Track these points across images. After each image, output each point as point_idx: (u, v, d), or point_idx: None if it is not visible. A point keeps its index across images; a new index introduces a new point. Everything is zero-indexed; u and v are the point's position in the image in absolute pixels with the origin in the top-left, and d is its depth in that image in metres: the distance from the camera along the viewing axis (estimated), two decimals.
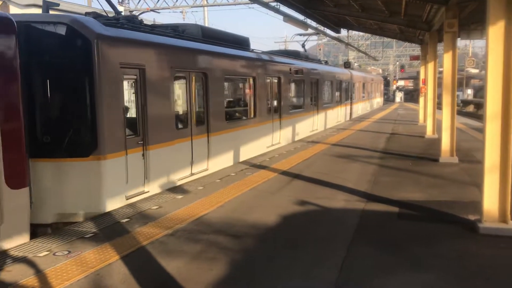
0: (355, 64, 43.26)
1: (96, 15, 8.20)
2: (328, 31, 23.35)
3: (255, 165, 11.17)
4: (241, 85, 13.69)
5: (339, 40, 30.50)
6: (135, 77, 8.09)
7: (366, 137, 17.05)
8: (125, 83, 8.00)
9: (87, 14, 8.20)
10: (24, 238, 5.96)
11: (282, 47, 53.66)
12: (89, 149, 7.14)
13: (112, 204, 7.36)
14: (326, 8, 14.90)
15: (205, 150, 10.35)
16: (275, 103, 14.91)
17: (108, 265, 4.93)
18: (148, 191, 8.26)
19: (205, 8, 31.05)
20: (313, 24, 20.73)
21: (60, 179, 7.12)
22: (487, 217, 5.89)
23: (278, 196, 7.99)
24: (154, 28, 9.57)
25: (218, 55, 11.24)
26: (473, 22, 14.68)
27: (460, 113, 43.15)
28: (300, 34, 28.40)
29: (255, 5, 15.01)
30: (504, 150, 5.77)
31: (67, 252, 5.32)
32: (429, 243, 5.56)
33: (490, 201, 5.87)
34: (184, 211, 6.99)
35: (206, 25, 31.06)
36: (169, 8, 26.72)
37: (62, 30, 7.11)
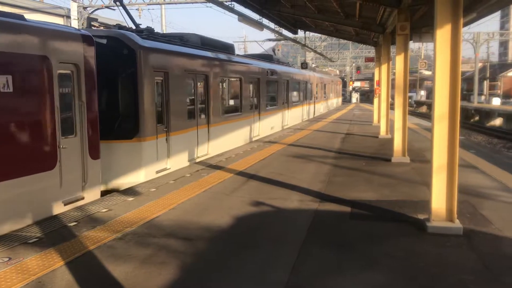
0: (313, 65, 43.77)
1: (120, 27, 10.47)
2: (285, 32, 23.48)
3: (211, 165, 11.06)
4: (231, 84, 15.49)
5: (295, 41, 30.73)
6: (161, 79, 10.26)
7: (322, 137, 17.24)
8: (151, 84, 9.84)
9: (113, 26, 10.76)
10: (97, 195, 8.12)
11: (241, 47, 53.72)
12: (133, 133, 9.35)
13: (147, 176, 9.53)
14: (282, 8, 14.96)
15: (206, 138, 12.63)
16: (255, 100, 17.47)
17: (52, 272, 4.71)
18: (169, 168, 10.54)
19: (162, 5, 30.61)
20: (269, 24, 20.76)
21: (113, 155, 9.12)
22: (435, 216, 6.03)
23: (233, 197, 7.91)
24: (169, 38, 11.65)
25: (216, 60, 13.46)
26: (424, 25, 15.07)
27: (413, 113, 44.54)
28: (270, 40, 34.55)
29: (213, 5, 14.82)
30: (451, 150, 5.91)
31: (7, 259, 5.06)
32: (379, 242, 5.63)
33: (438, 201, 6.00)
34: (134, 214, 6.80)
35: (163, 23, 30.64)
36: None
37: (114, 42, 9.28)
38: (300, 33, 23.80)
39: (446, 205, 5.98)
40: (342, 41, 44.64)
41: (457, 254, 5.23)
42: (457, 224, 5.95)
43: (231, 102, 15.41)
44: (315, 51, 41.17)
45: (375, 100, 22.29)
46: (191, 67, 11.73)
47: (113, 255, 5.20)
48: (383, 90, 17.53)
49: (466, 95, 58.90)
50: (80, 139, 7.80)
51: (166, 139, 10.42)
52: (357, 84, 75.56)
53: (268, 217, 6.81)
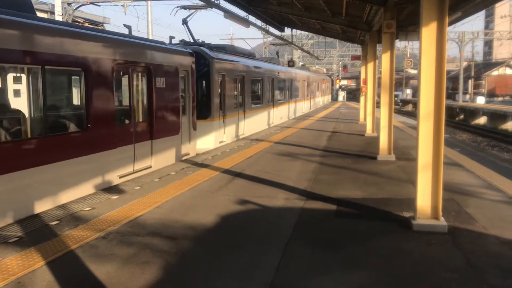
0: (300, 63, 43.83)
1: (184, 42, 15.36)
2: (272, 30, 23.46)
3: (196, 163, 10.99)
4: (258, 83, 20.62)
5: (282, 39, 30.69)
6: (221, 79, 14.93)
7: (308, 135, 17.25)
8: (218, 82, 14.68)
9: (180, 41, 15.65)
10: (195, 153, 12.77)
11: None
12: (208, 114, 14.16)
13: (214, 145, 14.39)
14: (269, 6, 14.93)
15: (243, 122, 17.54)
16: (271, 94, 22.62)
17: (32, 272, 4.61)
18: (225, 141, 15.35)
19: (149, 2, 30.34)
20: (256, 22, 20.72)
21: (208, 129, 14.12)
22: (420, 214, 6.04)
23: (218, 196, 7.85)
24: (217, 48, 16.05)
25: (247, 64, 18.45)
26: (410, 24, 15.15)
27: (399, 112, 44.87)
28: (274, 44, 37.34)
29: (200, 1, 14.73)
30: (436, 148, 5.93)
31: None
32: (364, 240, 5.62)
33: (423, 199, 6.01)
34: (118, 213, 6.71)
35: (149, 20, 30.39)
36: (109, 2, 25.85)
37: (198, 55, 13.38)
38: (287, 31, 23.87)
39: (431, 203, 5.99)
40: (329, 39, 44.71)
41: (442, 252, 5.24)
42: (442, 222, 5.96)
43: (258, 96, 20.73)
44: (302, 49, 41.21)
45: (362, 99, 22.37)
46: (236, 70, 16.75)
47: (96, 254, 5.11)
48: (369, 89, 17.60)
49: (451, 94, 59.48)
50: (188, 117, 12.51)
51: (223, 121, 15.24)
52: (344, 82, 75.84)
53: (253, 216, 6.77)
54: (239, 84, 17.11)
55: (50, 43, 7.50)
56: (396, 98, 57.85)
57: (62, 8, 24.30)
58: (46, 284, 4.36)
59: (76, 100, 8.99)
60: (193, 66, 12.73)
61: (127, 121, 9.81)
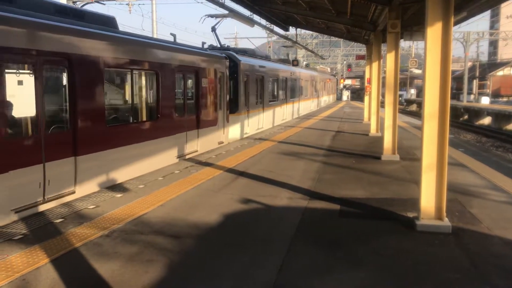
0: (304, 62, 43.83)
1: (212, 47, 17.73)
2: (276, 29, 23.46)
3: (200, 162, 11.00)
4: (274, 83, 23.13)
5: (287, 38, 30.67)
6: (246, 79, 17.42)
7: (312, 135, 17.24)
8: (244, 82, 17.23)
9: (210, 45, 18.30)
10: (227, 141, 15.27)
11: (232, 43, 53.83)
12: (235, 109, 16.65)
13: (241, 136, 16.86)
14: (274, 5, 14.92)
15: (262, 117, 20.17)
16: (283, 93, 25.21)
17: (36, 269, 4.63)
18: (248, 133, 17.66)
19: (153, 1, 30.38)
20: (261, 21, 20.75)
21: (236, 122, 16.58)
22: (424, 214, 6.03)
23: (222, 195, 7.86)
24: (240, 51, 18.97)
25: (265, 65, 21.00)
26: (415, 24, 15.11)
27: (403, 112, 44.78)
28: (285, 46, 42.55)
29: (204, 0, 14.78)
30: (440, 149, 5.91)
31: None
32: (368, 240, 5.61)
33: (427, 199, 6.00)
34: (122, 211, 6.73)
35: (154, 19, 30.43)
36: (115, 0, 25.90)
37: (229, 59, 15.93)
38: (292, 30, 23.89)
39: (435, 203, 5.98)
40: (333, 38, 44.66)
41: (445, 252, 5.23)
42: (446, 222, 5.95)
43: (274, 94, 23.26)
44: (307, 49, 41.16)
45: (366, 98, 22.33)
46: (257, 71, 19.19)
47: (100, 252, 5.13)
48: (374, 88, 17.56)
49: (456, 94, 59.31)
50: (223, 111, 15.05)
51: (248, 115, 17.91)
52: (348, 82, 75.68)
53: (257, 215, 6.77)
54: (259, 84, 19.65)
55: (142, 53, 10.47)
56: (400, 98, 57.70)
57: None
58: (51, 282, 4.38)
59: (152, 96, 11.38)
60: (227, 68, 15.50)
61: (181, 114, 12.32)
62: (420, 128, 6.11)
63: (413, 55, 56.30)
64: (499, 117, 36.32)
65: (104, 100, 8.92)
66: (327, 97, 47.61)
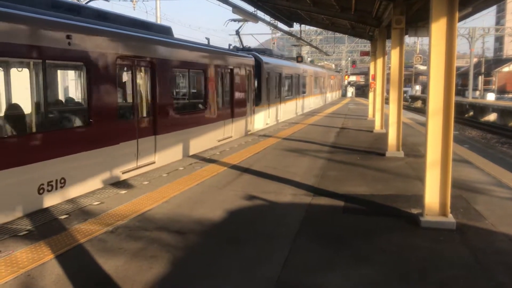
0: (308, 59, 43.78)
1: (237, 48, 19.97)
2: (281, 25, 23.42)
3: (204, 159, 11.01)
4: (289, 79, 25.30)
5: (291, 34, 30.60)
6: (267, 76, 19.74)
7: (316, 131, 17.22)
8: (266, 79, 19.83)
9: (234, 47, 21.00)
10: (253, 131, 17.63)
11: (236, 40, 53.69)
12: (259, 102, 18.75)
13: (263, 126, 19.00)
14: (278, 1, 14.86)
15: (280, 110, 22.60)
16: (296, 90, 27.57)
17: (41, 265, 4.66)
18: (269, 123, 20.07)
19: None
20: (265, 17, 20.75)
21: (260, 113, 18.96)
22: (428, 211, 6.01)
23: (226, 191, 7.87)
24: (260, 51, 21.25)
25: (284, 64, 24.05)
26: (420, 19, 15.04)
27: (408, 108, 44.62)
28: (295, 45, 44.41)
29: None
30: (445, 145, 5.89)
31: None
32: (372, 237, 5.61)
33: (432, 195, 5.99)
34: (126, 207, 6.75)
35: (158, 15, 30.43)
36: None
37: (252, 59, 18.12)
38: (296, 26, 23.83)
39: (440, 199, 5.97)
40: (337, 35, 44.53)
41: (450, 249, 5.22)
42: (451, 218, 5.94)
43: (290, 89, 25.43)
44: (311, 45, 41.06)
45: (370, 95, 22.26)
46: (276, 69, 21.55)
47: (104, 248, 5.16)
48: (378, 85, 17.48)
49: (461, 90, 59.04)
50: (250, 104, 17.42)
51: (269, 108, 20.25)
52: (353, 78, 75.51)
53: (260, 211, 6.78)
54: (278, 80, 21.94)
55: (195, 57, 13.01)
56: (405, 95, 57.55)
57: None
58: (56, 277, 4.41)
59: (201, 91, 13.76)
60: (253, 67, 17.99)
61: (220, 106, 14.62)
62: (424, 125, 6.08)
63: (418, 51, 56.09)
64: (505, 113, 36.13)
65: (173, 94, 11.93)
66: (333, 93, 49.54)
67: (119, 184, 8.35)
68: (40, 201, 7.04)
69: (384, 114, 16.81)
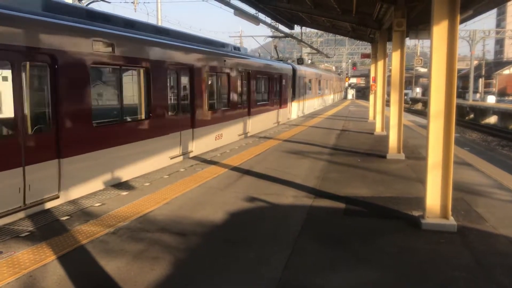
0: (309, 61, 43.85)
1: (276, 58, 30.51)
2: (282, 27, 23.48)
3: (205, 160, 11.02)
4: (310, 82, 32.43)
5: (292, 36, 30.65)
6: (299, 79, 26.71)
7: (317, 133, 17.23)
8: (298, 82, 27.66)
9: (271, 57, 34.76)
10: (291, 119, 25.71)
11: (237, 42, 53.90)
12: (294, 99, 26.38)
13: (296, 116, 26.63)
14: (279, 3, 14.89)
15: (306, 105, 29.60)
16: (312, 91, 34.27)
17: (43, 266, 4.67)
18: (299, 115, 27.41)
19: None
20: (266, 19, 20.78)
21: (294, 106, 27.09)
22: (429, 213, 6.02)
23: (227, 193, 7.88)
24: (292, 60, 32.14)
25: (307, 69, 31.13)
26: (421, 22, 15.07)
27: (409, 110, 44.62)
28: (310, 53, 49.05)
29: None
30: (446, 148, 5.90)
31: None
32: (373, 239, 5.62)
33: (433, 198, 5.99)
34: (128, 208, 6.76)
35: (159, 17, 30.49)
36: None
37: (290, 67, 26.47)
38: (297, 28, 24.02)
39: (441, 202, 5.97)
40: (338, 37, 44.58)
41: (451, 251, 5.23)
42: (451, 221, 5.94)
43: (310, 90, 32.13)
44: (312, 47, 41.11)
45: (371, 97, 22.27)
46: (304, 74, 28.60)
47: (106, 249, 5.17)
48: (379, 87, 17.50)
49: (461, 93, 59.04)
50: (290, 100, 24.98)
51: (298, 103, 26.85)
52: (353, 80, 75.49)
53: (262, 213, 6.79)
54: (304, 82, 29.18)
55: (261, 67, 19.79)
56: (405, 97, 57.53)
57: None
58: (57, 278, 4.42)
59: (267, 90, 20.62)
60: (292, 72, 25.55)
61: (275, 100, 21.83)
62: (425, 127, 6.09)
63: (418, 54, 56.09)
64: (505, 116, 36.16)
65: (256, 92, 18.92)
66: (337, 94, 55.41)
67: (120, 185, 8.36)
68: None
69: (384, 116, 16.81)
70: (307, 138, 15.76)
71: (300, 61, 30.38)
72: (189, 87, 12.39)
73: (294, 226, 6.07)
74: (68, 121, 7.75)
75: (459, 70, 60.84)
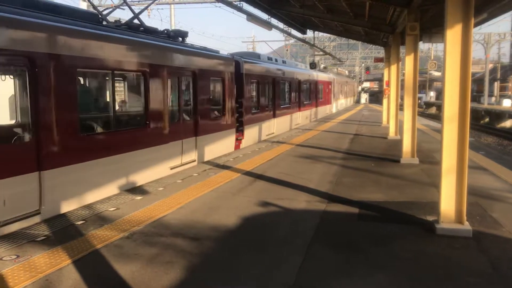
0: (322, 65, 43.83)
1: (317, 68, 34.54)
2: (294, 32, 23.48)
3: (218, 165, 11.06)
4: (335, 87, 38.25)
5: (304, 41, 30.66)
6: (334, 86, 38.19)
7: (330, 138, 17.19)
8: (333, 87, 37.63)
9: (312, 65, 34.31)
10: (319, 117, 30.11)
11: (250, 47, 54.11)
12: (332, 100, 36.50)
13: (332, 112, 35.92)
14: (291, 8, 14.92)
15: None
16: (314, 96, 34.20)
17: (59, 270, 4.73)
18: (333, 111, 36.72)
19: (172, 6, 30.68)
20: (278, 24, 20.82)
21: (333, 105, 37.06)
22: (444, 218, 5.97)
23: (240, 197, 7.90)
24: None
25: (335, 77, 39.15)
26: (435, 26, 14.98)
27: (422, 114, 44.27)
28: (318, 54, 45.31)
29: (222, 4, 14.90)
30: (460, 152, 5.85)
31: (15, 256, 5.08)
32: (387, 244, 5.59)
33: (447, 202, 5.94)
34: (142, 213, 6.81)
35: (173, 23, 30.72)
36: (134, 6, 26.18)
37: (331, 76, 36.93)
38: (309, 33, 23.91)
39: (456, 206, 5.92)
40: (351, 41, 44.48)
41: (466, 256, 5.17)
42: (467, 226, 5.88)
43: (337, 94, 39.41)
44: (324, 51, 41.00)
45: (384, 101, 22.16)
46: (335, 81, 39.06)
47: (120, 254, 5.21)
48: (393, 91, 17.42)
49: (476, 97, 58.37)
50: (317, 103, 29.62)
51: (333, 103, 37.15)
52: (366, 84, 75.20)
53: (275, 218, 6.79)
54: (336, 88, 36.74)
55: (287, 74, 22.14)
56: (419, 101, 57.09)
57: None
58: (73, 282, 4.47)
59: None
60: (331, 80, 31.80)
61: (319, 101, 29.36)
62: (439, 131, 6.04)
63: (432, 57, 55.70)
64: None
65: (312, 96, 27.41)
66: (351, 98, 57.98)
67: (134, 190, 8.42)
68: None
69: (398, 121, 16.72)
70: (320, 142, 15.73)
71: (313, 66, 30.07)
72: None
73: (308, 231, 6.06)
74: (49, 130, 6.88)
75: (473, 74, 60.23)
